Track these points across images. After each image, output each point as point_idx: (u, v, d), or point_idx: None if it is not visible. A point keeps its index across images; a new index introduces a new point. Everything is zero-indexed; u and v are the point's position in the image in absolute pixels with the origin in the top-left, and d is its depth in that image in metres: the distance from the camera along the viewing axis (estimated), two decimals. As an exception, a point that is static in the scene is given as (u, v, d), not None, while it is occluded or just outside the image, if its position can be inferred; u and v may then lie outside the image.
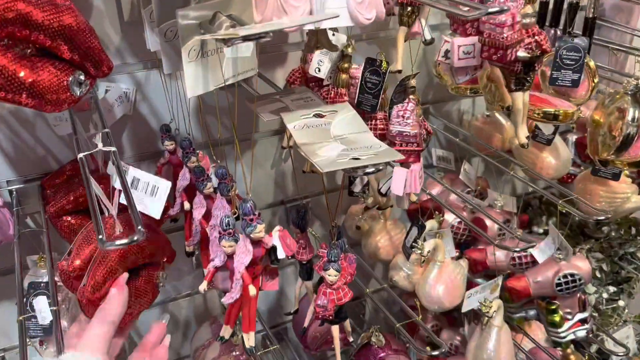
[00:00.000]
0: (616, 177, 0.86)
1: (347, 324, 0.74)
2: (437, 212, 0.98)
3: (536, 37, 0.66)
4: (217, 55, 0.58)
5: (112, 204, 0.60)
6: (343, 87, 0.74)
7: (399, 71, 0.82)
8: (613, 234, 1.18)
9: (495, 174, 1.14)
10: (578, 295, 0.89)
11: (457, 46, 0.70)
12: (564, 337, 0.90)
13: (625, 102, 0.71)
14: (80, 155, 0.57)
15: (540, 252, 0.89)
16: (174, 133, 0.81)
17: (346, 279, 0.69)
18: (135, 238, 0.48)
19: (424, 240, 0.88)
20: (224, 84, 0.56)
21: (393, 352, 0.90)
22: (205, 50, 0.57)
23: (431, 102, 1.11)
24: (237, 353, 0.95)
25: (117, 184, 0.59)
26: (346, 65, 0.73)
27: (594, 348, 1.17)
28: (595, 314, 1.18)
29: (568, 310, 0.89)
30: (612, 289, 1.22)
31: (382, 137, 0.72)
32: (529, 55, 0.66)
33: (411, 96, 0.69)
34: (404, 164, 0.70)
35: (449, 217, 1.01)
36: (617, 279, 1.22)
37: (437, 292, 0.89)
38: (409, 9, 0.80)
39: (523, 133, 0.71)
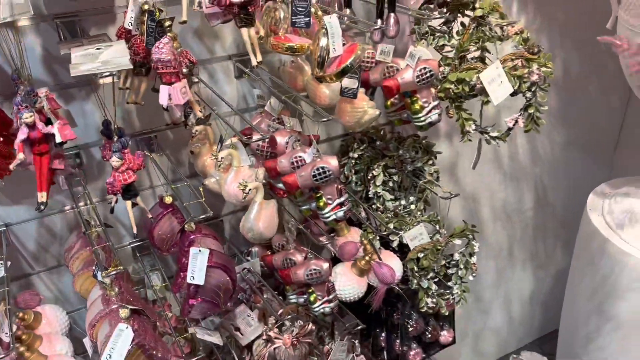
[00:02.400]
0: (354, 95, 1.17)
1: (139, 199, 1.05)
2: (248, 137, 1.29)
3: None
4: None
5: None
6: (142, 34, 1.04)
7: (184, 22, 1.12)
8: (405, 153, 1.50)
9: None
10: (336, 185, 1.20)
11: (201, -3, 1.00)
12: (328, 217, 1.21)
13: (320, 35, 1.02)
14: None
15: (308, 155, 1.20)
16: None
17: (129, 166, 1.00)
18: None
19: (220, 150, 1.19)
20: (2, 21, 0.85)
21: (202, 235, 1.20)
22: None
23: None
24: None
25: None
26: (145, 17, 1.03)
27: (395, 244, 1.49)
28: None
29: (329, 196, 1.20)
30: (412, 198, 1.54)
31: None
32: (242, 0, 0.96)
33: (168, 34, 0.99)
34: (167, 82, 1.00)
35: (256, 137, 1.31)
36: (416, 190, 1.54)
37: (258, 227, 1.19)
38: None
39: (253, 59, 1.02)
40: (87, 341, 1.15)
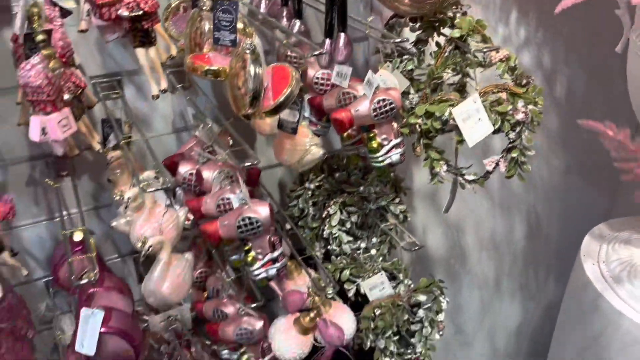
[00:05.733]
0: (294, 131, 0.95)
1: (6, 257, 0.84)
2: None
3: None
4: None
5: None
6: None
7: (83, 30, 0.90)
8: (368, 189, 1.28)
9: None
10: (268, 237, 0.99)
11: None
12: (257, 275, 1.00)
13: (248, 59, 0.80)
14: None
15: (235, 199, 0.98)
16: None
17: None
18: None
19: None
20: None
21: (104, 288, 1.00)
22: None
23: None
24: None
25: None
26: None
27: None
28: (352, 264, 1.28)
29: (259, 250, 0.99)
30: (374, 240, 1.33)
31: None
32: (130, 14, 0.74)
33: (43, 51, 0.77)
34: (42, 112, 0.79)
35: (183, 169, 1.10)
36: (378, 231, 1.32)
37: (161, 291, 0.98)
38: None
39: (154, 87, 0.80)
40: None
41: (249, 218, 0.95)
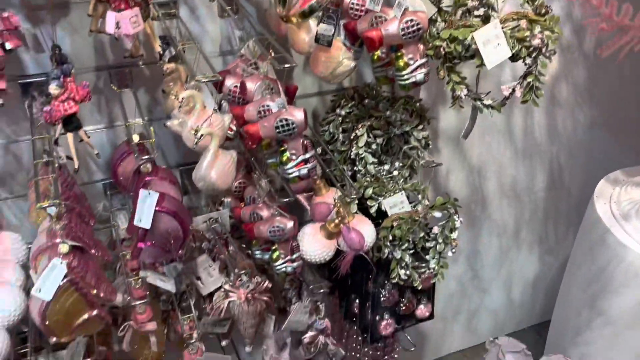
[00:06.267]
0: (329, 44, 1.07)
1: (82, 133, 0.99)
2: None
3: None
4: None
5: None
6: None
7: None
8: (394, 115, 1.39)
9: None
10: (301, 140, 1.12)
11: None
12: (290, 174, 1.14)
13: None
14: None
15: (275, 105, 1.11)
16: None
17: (71, 95, 0.94)
18: None
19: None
20: None
21: (159, 178, 1.15)
22: None
23: None
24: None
25: None
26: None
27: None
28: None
29: (293, 151, 1.13)
30: (397, 164, 1.44)
31: None
32: None
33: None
34: (117, 9, 0.93)
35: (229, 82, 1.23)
36: (402, 155, 1.44)
37: (210, 177, 1.12)
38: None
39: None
40: (32, 273, 1.13)
41: (286, 119, 1.08)
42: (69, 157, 1.27)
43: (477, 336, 2.51)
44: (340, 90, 1.53)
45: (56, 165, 1.17)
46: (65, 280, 0.98)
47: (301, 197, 1.39)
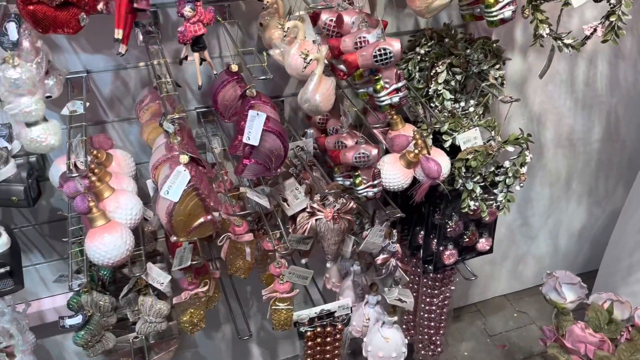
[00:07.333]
0: (427, -21, 1.15)
1: (206, 54, 1.11)
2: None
3: None
4: None
5: None
6: None
7: None
8: (473, 54, 1.47)
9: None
10: (395, 70, 1.22)
11: None
12: (383, 102, 1.24)
13: None
14: None
15: (372, 36, 1.21)
16: None
17: (200, 18, 1.05)
18: None
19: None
20: None
21: (262, 102, 1.27)
22: None
23: None
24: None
25: None
26: None
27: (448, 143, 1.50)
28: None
29: (387, 80, 1.22)
30: (472, 102, 1.53)
31: None
32: None
33: None
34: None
35: (324, 16, 1.33)
36: (478, 93, 1.53)
37: (315, 99, 1.23)
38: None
39: None
40: (149, 182, 1.27)
41: (384, 49, 1.17)
42: (177, 84, 1.40)
43: (521, 282, 2.62)
44: (418, 31, 1.61)
45: (169, 86, 1.30)
46: (189, 184, 1.11)
47: (377, 132, 1.49)
